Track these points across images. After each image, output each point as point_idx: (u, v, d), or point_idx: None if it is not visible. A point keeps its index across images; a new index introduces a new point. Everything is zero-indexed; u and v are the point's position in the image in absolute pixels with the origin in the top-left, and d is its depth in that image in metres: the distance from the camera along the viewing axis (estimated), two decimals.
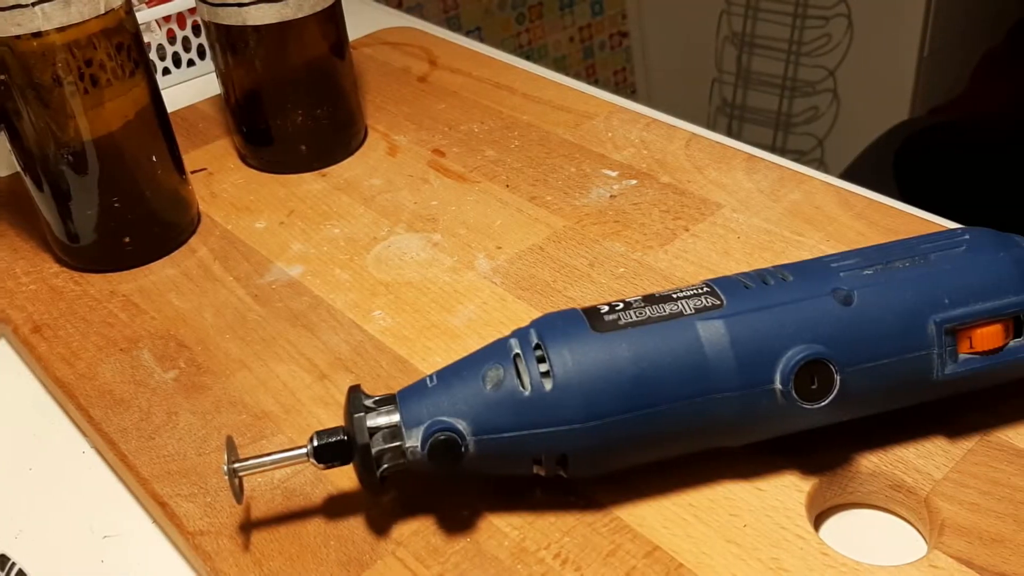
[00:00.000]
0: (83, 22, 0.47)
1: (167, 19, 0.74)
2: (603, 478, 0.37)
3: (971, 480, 0.36)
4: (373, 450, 0.35)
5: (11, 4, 0.45)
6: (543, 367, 0.35)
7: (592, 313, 0.36)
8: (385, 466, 0.35)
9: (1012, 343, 0.36)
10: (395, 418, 0.35)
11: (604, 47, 1.87)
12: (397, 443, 0.35)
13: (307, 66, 0.59)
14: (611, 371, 0.34)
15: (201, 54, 0.77)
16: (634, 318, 0.35)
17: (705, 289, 0.36)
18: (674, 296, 0.36)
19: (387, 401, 0.36)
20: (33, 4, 0.45)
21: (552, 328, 0.35)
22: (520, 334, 0.36)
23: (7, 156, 0.58)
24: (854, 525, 0.37)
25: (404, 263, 0.51)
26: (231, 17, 0.56)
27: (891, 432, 0.38)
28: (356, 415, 0.35)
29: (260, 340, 0.47)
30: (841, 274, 0.36)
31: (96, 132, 0.50)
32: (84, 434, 0.46)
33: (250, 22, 0.56)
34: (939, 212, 0.51)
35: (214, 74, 0.63)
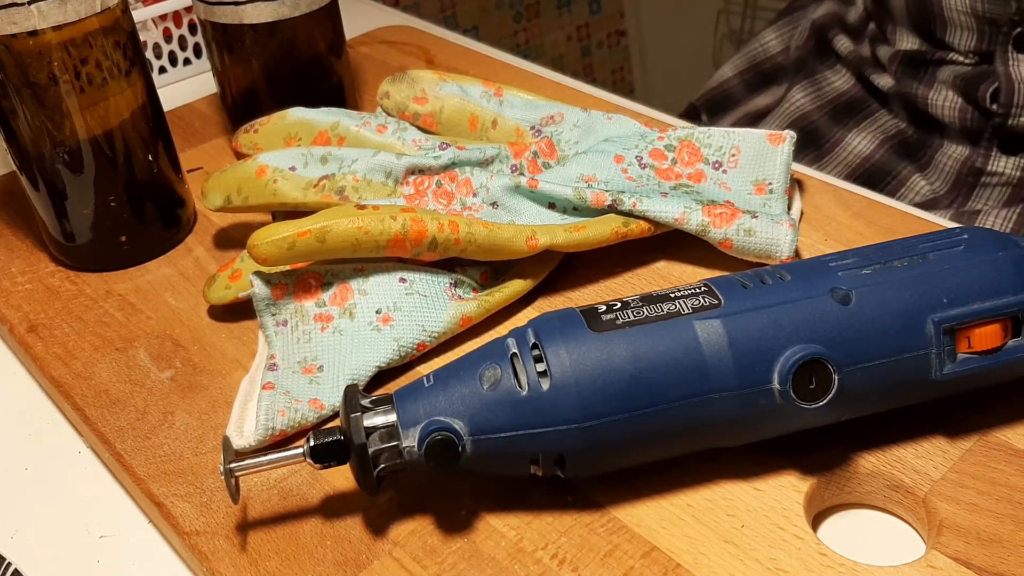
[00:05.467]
0: (79, 20, 0.47)
1: (163, 17, 0.74)
2: (600, 478, 0.37)
3: (969, 480, 0.36)
4: (370, 450, 0.34)
5: (7, 2, 0.45)
6: (540, 367, 0.34)
7: (590, 313, 0.36)
8: (382, 466, 0.35)
9: (1010, 343, 0.36)
10: (392, 418, 0.35)
11: (602, 46, 1.86)
12: (394, 443, 0.35)
13: (304, 65, 0.59)
14: (608, 371, 0.34)
15: (197, 53, 0.77)
16: (632, 318, 0.35)
17: (703, 288, 0.36)
18: (672, 295, 0.36)
19: (384, 401, 0.36)
20: (29, 2, 0.45)
21: (549, 328, 0.35)
22: (517, 334, 0.36)
23: (3, 155, 0.58)
24: (852, 525, 0.37)
25: None
26: (228, 15, 0.56)
27: (889, 432, 0.38)
28: (353, 415, 0.35)
29: (256, 340, 0.47)
30: (839, 273, 0.36)
31: (92, 131, 0.50)
32: (80, 434, 0.45)
33: (247, 20, 0.56)
34: None
35: (210, 73, 0.63)
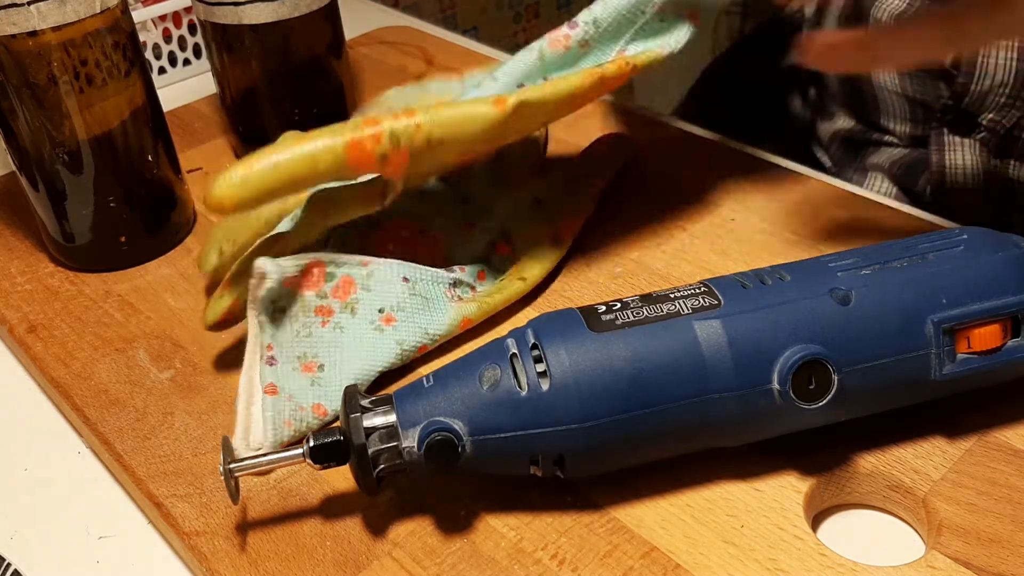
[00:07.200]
0: (79, 21, 0.47)
1: (163, 18, 0.74)
2: (600, 478, 0.37)
3: (969, 480, 0.36)
4: (369, 450, 0.34)
5: (7, 3, 0.45)
6: (540, 367, 0.34)
7: (589, 313, 0.36)
8: (382, 466, 0.35)
9: (1010, 343, 0.36)
10: (392, 418, 0.35)
11: None
12: (394, 443, 0.35)
13: (304, 65, 0.59)
14: (608, 371, 0.34)
15: (197, 53, 0.77)
16: (631, 318, 0.35)
17: (703, 289, 0.36)
18: (672, 296, 0.36)
19: (384, 401, 0.36)
20: (28, 3, 0.45)
21: (549, 328, 0.35)
22: (517, 334, 0.36)
23: (3, 155, 0.58)
24: (852, 525, 0.37)
25: None
26: (227, 16, 0.56)
27: (889, 432, 0.38)
28: (352, 415, 0.35)
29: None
30: (839, 274, 0.36)
31: (92, 131, 0.50)
32: (79, 434, 0.45)
33: (246, 21, 0.56)
34: None
35: (210, 73, 0.63)
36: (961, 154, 0.61)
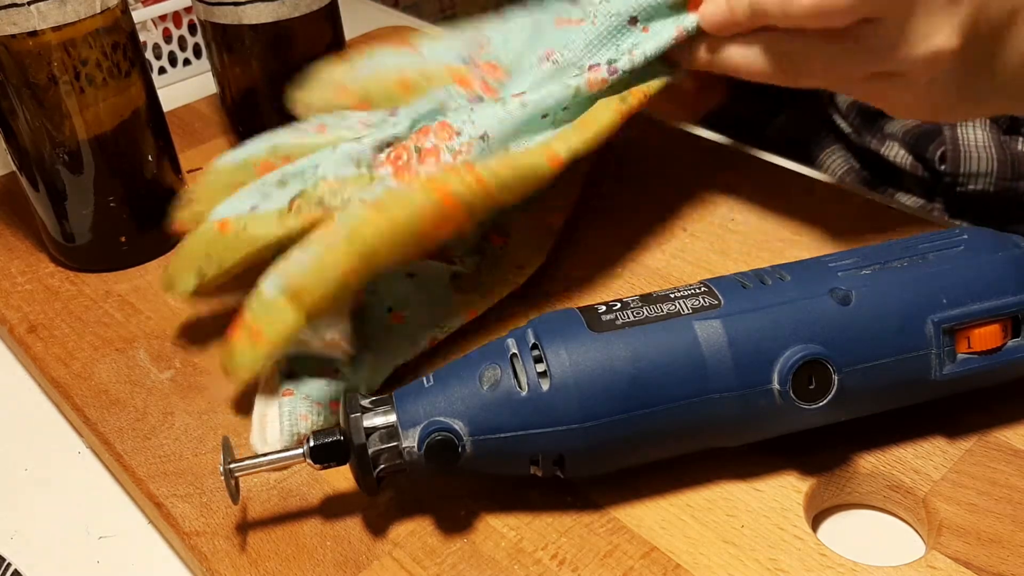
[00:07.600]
0: (79, 21, 0.47)
1: (163, 18, 0.74)
2: (600, 479, 0.37)
3: (969, 480, 0.36)
4: (370, 450, 0.34)
5: (7, 3, 0.45)
6: (540, 367, 0.34)
7: (590, 313, 0.36)
8: (382, 466, 0.35)
9: (1010, 343, 0.36)
10: (392, 418, 0.35)
11: None
12: (394, 443, 0.35)
13: (304, 65, 0.59)
14: (608, 371, 0.34)
15: (197, 53, 0.77)
16: (631, 318, 0.35)
17: (703, 289, 0.36)
18: (672, 296, 0.36)
19: (384, 401, 0.36)
20: (29, 3, 0.45)
21: (549, 328, 0.35)
22: (517, 334, 0.36)
23: (3, 155, 0.58)
24: (852, 525, 0.37)
25: None
26: (227, 16, 0.56)
27: (889, 432, 0.38)
28: (352, 415, 0.35)
29: None
30: (839, 274, 0.36)
31: (92, 131, 0.50)
32: (80, 434, 0.45)
33: (246, 21, 0.56)
34: None
35: (210, 73, 0.63)
36: (972, 130, 0.63)
